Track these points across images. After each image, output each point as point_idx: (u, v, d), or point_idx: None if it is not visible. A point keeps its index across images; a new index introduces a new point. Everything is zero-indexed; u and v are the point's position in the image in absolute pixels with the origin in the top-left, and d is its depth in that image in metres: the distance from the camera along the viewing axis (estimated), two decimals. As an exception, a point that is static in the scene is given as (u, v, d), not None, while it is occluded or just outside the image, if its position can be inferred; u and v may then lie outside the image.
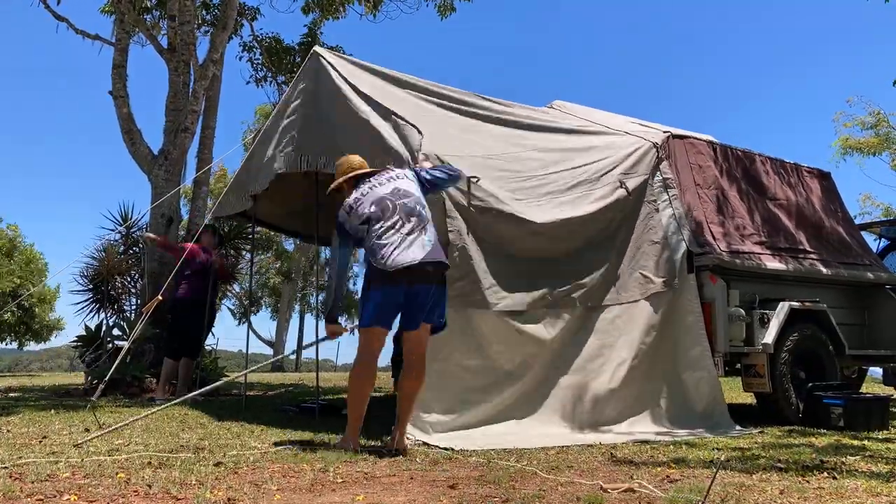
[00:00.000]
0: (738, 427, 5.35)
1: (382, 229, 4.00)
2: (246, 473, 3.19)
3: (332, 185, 4.37)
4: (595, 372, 5.22)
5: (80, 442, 3.96)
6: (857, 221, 8.57)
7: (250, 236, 9.63)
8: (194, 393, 5.14)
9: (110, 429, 4.38)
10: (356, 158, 4.40)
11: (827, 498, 2.90)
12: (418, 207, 4.12)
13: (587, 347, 5.31)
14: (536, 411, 5.00)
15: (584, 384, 5.17)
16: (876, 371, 9.12)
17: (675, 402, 5.44)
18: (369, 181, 4.21)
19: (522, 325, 5.04)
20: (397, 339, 8.03)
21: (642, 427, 5.16)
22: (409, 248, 3.95)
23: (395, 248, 3.94)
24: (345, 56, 6.25)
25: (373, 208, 4.06)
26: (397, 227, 4.01)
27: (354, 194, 4.17)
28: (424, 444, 4.26)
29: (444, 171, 4.42)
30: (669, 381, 5.48)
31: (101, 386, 6.34)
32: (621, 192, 5.70)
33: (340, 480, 3.10)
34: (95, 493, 2.73)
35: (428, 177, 4.32)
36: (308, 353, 31.54)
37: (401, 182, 4.20)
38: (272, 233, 31.24)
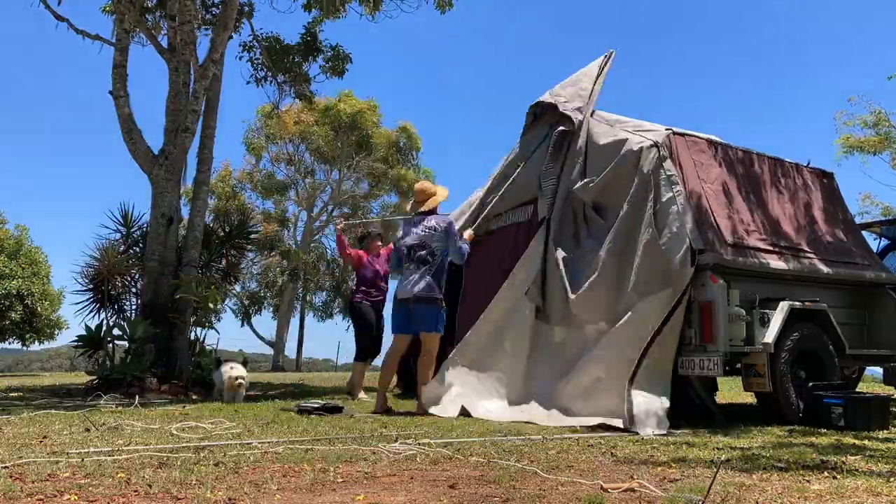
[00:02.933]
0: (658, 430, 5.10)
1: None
2: (246, 473, 3.19)
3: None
4: (593, 368, 5.68)
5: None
6: (856, 221, 8.55)
7: (253, 236, 9.63)
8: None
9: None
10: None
11: (827, 498, 2.89)
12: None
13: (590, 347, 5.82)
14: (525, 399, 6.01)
15: (580, 378, 5.71)
16: (876, 371, 9.11)
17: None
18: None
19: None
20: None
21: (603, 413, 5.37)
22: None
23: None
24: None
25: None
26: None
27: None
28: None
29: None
30: (648, 376, 5.53)
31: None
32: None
33: (340, 480, 3.10)
34: (95, 493, 2.73)
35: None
36: (309, 354, 31.59)
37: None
38: (274, 232, 31.29)
